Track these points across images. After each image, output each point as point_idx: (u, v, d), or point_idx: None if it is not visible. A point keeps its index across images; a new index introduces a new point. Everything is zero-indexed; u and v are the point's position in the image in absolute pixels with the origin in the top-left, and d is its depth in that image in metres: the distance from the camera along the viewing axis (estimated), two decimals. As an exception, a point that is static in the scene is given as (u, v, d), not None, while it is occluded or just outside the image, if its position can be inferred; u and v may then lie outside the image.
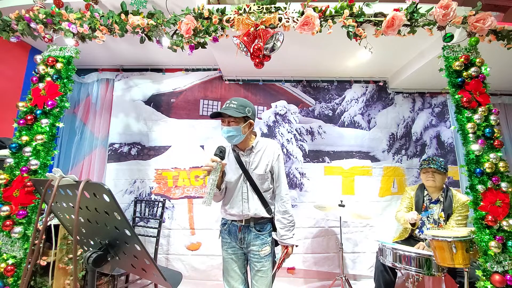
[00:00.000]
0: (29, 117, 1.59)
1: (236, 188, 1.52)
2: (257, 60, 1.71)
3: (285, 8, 1.67)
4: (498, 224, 1.40)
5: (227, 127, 1.44)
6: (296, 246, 1.58)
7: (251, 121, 1.49)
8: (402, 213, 2.28)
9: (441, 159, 2.23)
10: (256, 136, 1.59)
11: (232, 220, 1.54)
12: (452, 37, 1.64)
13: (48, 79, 1.67)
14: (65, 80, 1.70)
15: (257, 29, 1.65)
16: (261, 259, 1.48)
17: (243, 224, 1.51)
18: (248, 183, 1.51)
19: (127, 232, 0.71)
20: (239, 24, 1.67)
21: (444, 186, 2.24)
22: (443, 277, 2.13)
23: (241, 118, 1.43)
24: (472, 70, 1.58)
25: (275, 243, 1.60)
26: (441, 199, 2.21)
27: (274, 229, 1.57)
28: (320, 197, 2.86)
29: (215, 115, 1.45)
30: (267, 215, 1.51)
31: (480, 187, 1.45)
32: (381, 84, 3.09)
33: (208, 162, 1.35)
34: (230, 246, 1.55)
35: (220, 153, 1.39)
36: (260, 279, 1.47)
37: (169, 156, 2.93)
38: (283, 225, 1.51)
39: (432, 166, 2.19)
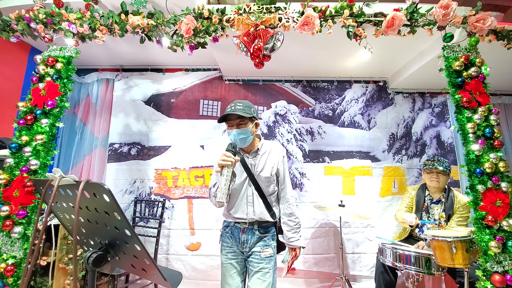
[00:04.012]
0: (29, 117, 1.59)
1: (240, 192, 1.47)
2: (257, 60, 1.71)
3: (285, 8, 1.67)
4: (498, 224, 1.40)
5: (237, 130, 1.39)
6: (303, 247, 1.56)
7: (257, 121, 1.48)
8: (402, 212, 2.28)
9: (445, 160, 2.22)
10: (260, 138, 1.57)
11: (235, 222, 1.48)
12: (452, 37, 1.64)
13: (48, 79, 1.67)
14: (65, 80, 1.70)
15: (257, 29, 1.65)
16: (262, 260, 1.40)
17: (247, 226, 1.46)
18: (253, 187, 1.46)
19: (127, 232, 0.71)
20: (239, 24, 1.67)
21: (446, 186, 2.24)
22: (443, 277, 2.12)
23: (249, 118, 1.41)
24: (472, 70, 1.57)
25: (278, 249, 1.54)
26: (443, 200, 2.20)
27: (279, 233, 1.55)
28: (321, 197, 2.86)
29: (223, 118, 1.42)
30: (271, 220, 1.48)
31: (480, 187, 1.45)
32: (381, 84, 3.09)
33: (222, 157, 1.28)
34: (231, 250, 1.48)
35: (233, 148, 1.32)
36: (256, 281, 1.36)
37: (169, 156, 2.93)
38: (290, 227, 1.49)
39: (438, 167, 2.17)
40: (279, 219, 1.54)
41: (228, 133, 1.44)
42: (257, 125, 1.49)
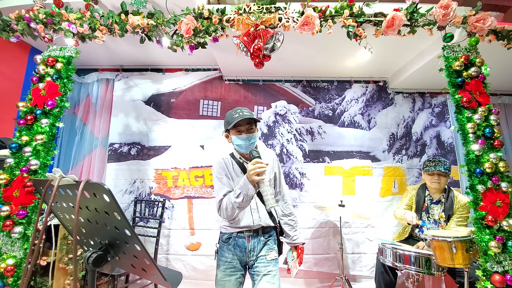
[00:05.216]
0: (29, 117, 1.58)
1: None
2: (257, 60, 1.71)
3: (285, 8, 1.67)
4: (498, 224, 1.40)
5: (247, 135, 1.36)
6: (304, 243, 1.60)
7: (258, 127, 1.50)
8: (402, 210, 2.27)
9: (445, 161, 2.21)
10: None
11: (239, 232, 1.44)
12: (452, 37, 1.64)
13: (48, 79, 1.66)
14: (65, 80, 1.70)
15: (257, 29, 1.65)
16: (268, 262, 1.40)
17: (252, 233, 1.44)
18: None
19: (127, 232, 0.71)
20: (239, 24, 1.67)
21: (446, 186, 2.23)
22: (443, 277, 2.12)
23: (255, 124, 1.42)
24: (472, 70, 1.57)
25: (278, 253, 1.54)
26: (443, 200, 2.20)
27: (279, 235, 1.56)
28: (321, 197, 2.86)
29: (237, 123, 1.33)
30: (272, 224, 1.49)
31: (480, 187, 1.45)
32: (381, 84, 3.09)
33: (257, 165, 1.23)
34: (230, 266, 1.40)
35: (258, 154, 1.29)
36: (266, 285, 1.33)
37: (169, 156, 2.93)
38: (291, 226, 1.55)
39: (439, 168, 2.16)
40: (278, 222, 1.56)
41: (237, 139, 1.38)
42: (257, 130, 1.50)
